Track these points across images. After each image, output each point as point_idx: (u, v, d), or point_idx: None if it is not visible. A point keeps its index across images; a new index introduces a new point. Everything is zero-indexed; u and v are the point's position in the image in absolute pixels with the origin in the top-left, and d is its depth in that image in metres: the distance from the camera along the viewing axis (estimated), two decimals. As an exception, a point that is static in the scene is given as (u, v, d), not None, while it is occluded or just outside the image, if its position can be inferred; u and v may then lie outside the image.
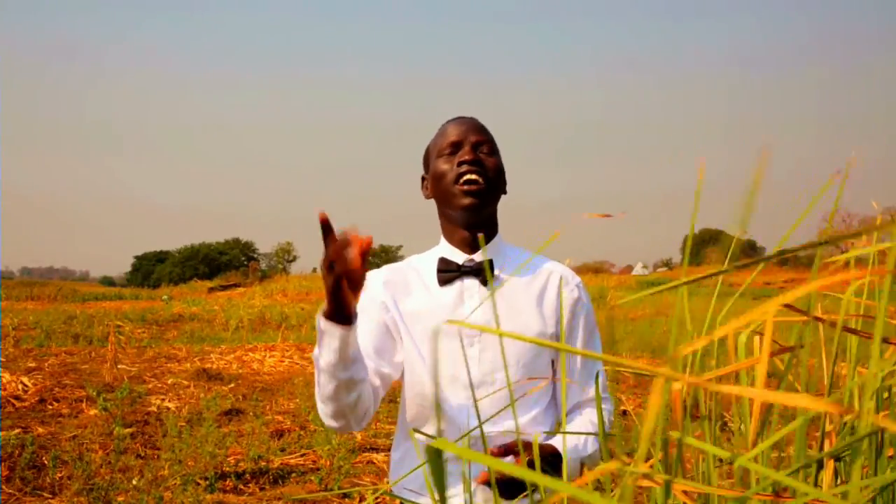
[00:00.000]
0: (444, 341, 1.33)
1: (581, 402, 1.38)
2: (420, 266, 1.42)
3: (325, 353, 1.15)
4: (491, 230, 1.39)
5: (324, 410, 1.24)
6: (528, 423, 1.32)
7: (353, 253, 1.04)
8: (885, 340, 0.52)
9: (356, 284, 1.08)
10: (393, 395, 5.97)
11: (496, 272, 1.37)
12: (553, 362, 1.37)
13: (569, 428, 1.34)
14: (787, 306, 0.50)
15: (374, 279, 1.41)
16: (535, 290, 1.37)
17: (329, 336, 1.14)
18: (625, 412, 5.33)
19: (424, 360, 1.33)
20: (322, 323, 1.14)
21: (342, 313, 1.12)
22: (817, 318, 0.48)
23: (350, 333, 1.14)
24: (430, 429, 1.33)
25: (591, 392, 1.37)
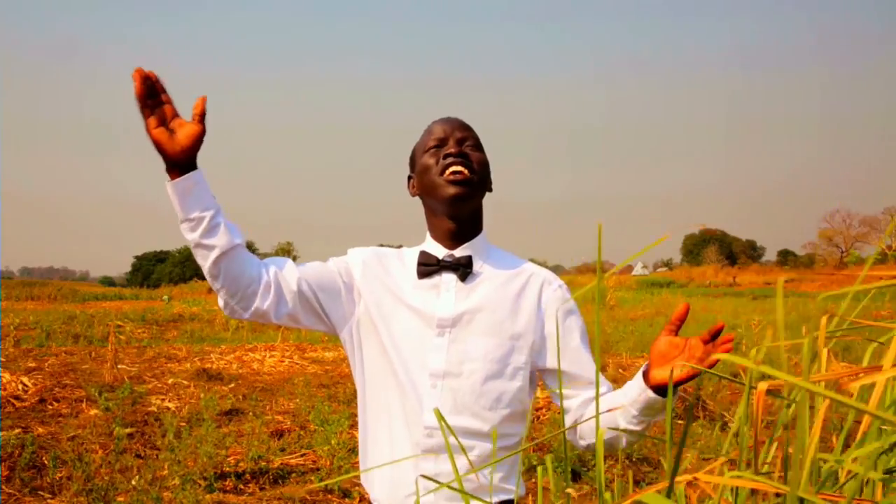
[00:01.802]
0: (416, 329, 1.34)
1: (584, 402, 1.37)
2: (406, 258, 1.44)
3: (177, 214, 1.25)
4: (475, 226, 1.41)
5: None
6: (500, 423, 1.32)
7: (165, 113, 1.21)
8: None
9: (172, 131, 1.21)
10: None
11: (475, 268, 1.38)
12: (532, 364, 1.37)
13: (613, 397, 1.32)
14: None
15: (356, 254, 1.43)
16: (513, 290, 1.38)
17: (169, 193, 1.24)
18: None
19: (396, 347, 1.34)
20: (166, 187, 1.24)
21: (172, 163, 1.22)
22: None
23: (179, 183, 1.23)
24: (397, 419, 1.33)
25: (594, 392, 1.37)
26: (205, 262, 1.26)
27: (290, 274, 1.34)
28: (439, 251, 1.39)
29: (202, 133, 1.22)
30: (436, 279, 1.37)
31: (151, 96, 1.20)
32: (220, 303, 1.32)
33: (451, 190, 1.33)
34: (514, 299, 1.37)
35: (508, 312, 1.35)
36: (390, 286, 1.38)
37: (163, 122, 1.21)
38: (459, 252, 1.38)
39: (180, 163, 1.22)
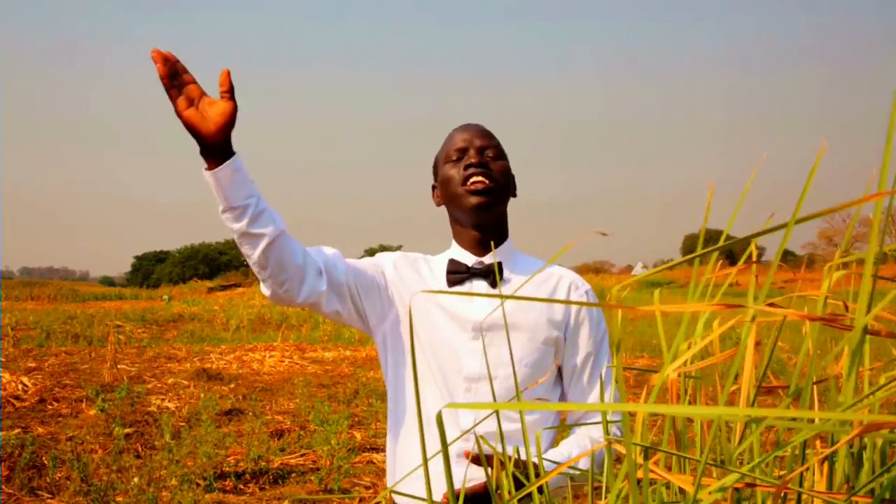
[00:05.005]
0: (452, 332, 1.34)
1: (587, 412, 1.38)
2: (432, 265, 1.44)
3: (219, 203, 1.19)
4: (501, 233, 1.41)
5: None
6: (531, 424, 1.32)
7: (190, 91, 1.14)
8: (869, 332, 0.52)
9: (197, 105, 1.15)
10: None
11: (505, 275, 1.38)
12: (560, 367, 1.38)
13: (566, 442, 1.34)
14: (772, 304, 0.50)
15: (387, 257, 1.43)
16: (544, 294, 1.38)
17: (209, 184, 1.18)
18: (625, 412, 5.33)
19: (432, 348, 1.34)
20: (204, 175, 1.18)
21: (208, 148, 1.16)
22: (791, 314, 0.48)
23: (220, 171, 1.16)
24: (431, 422, 1.33)
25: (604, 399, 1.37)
26: (253, 251, 1.20)
27: (338, 267, 1.32)
28: (468, 258, 1.39)
29: (235, 109, 1.15)
30: (466, 286, 1.37)
31: (174, 77, 1.14)
32: (267, 292, 1.27)
33: (473, 200, 1.33)
34: (545, 304, 1.36)
35: (540, 317, 1.35)
36: (423, 288, 1.38)
37: (191, 103, 1.14)
38: (488, 259, 1.38)
39: (217, 144, 1.16)
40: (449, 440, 1.29)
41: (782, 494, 0.50)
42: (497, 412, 1.25)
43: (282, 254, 1.22)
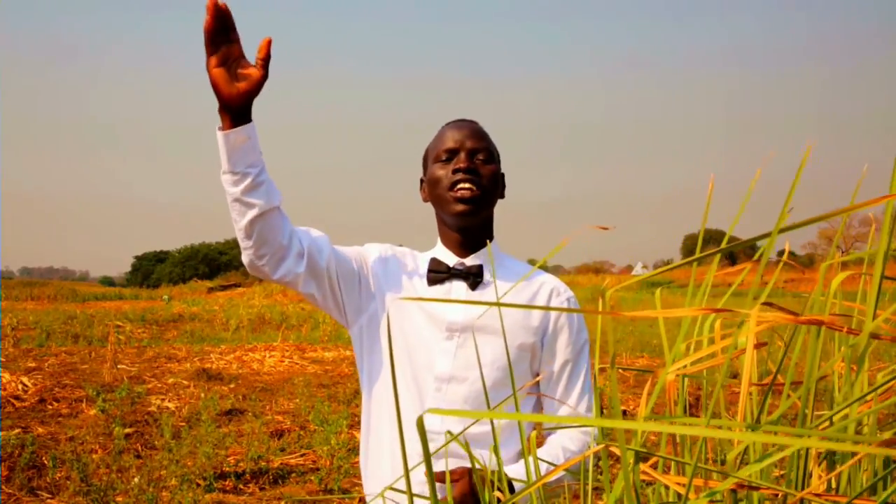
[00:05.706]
0: (426, 331, 1.34)
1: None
2: (419, 261, 1.43)
3: (221, 163, 1.20)
4: (485, 235, 1.40)
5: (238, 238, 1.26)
6: (502, 430, 1.32)
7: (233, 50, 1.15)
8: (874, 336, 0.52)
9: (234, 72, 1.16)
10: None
11: (486, 277, 1.37)
12: (538, 374, 1.37)
13: (540, 451, 1.31)
14: (769, 304, 0.50)
15: (374, 249, 1.43)
16: (522, 299, 1.37)
17: (219, 143, 1.18)
18: (624, 412, 5.34)
19: (405, 346, 1.34)
20: (216, 134, 1.19)
21: (227, 109, 1.16)
22: (798, 319, 0.48)
23: (231, 134, 1.17)
24: (395, 421, 1.33)
25: (579, 408, 1.36)
26: (241, 218, 1.20)
27: (322, 253, 1.32)
28: (450, 258, 1.39)
29: (263, 79, 1.16)
30: (446, 286, 1.37)
31: (221, 33, 1.13)
32: (246, 261, 1.27)
33: (458, 207, 1.32)
34: (523, 309, 1.35)
35: (517, 321, 1.34)
36: (404, 285, 1.38)
37: (225, 62, 1.14)
38: (470, 261, 1.38)
39: (234, 107, 1.16)
40: (416, 440, 1.28)
41: (782, 497, 0.50)
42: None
43: (268, 229, 1.23)
